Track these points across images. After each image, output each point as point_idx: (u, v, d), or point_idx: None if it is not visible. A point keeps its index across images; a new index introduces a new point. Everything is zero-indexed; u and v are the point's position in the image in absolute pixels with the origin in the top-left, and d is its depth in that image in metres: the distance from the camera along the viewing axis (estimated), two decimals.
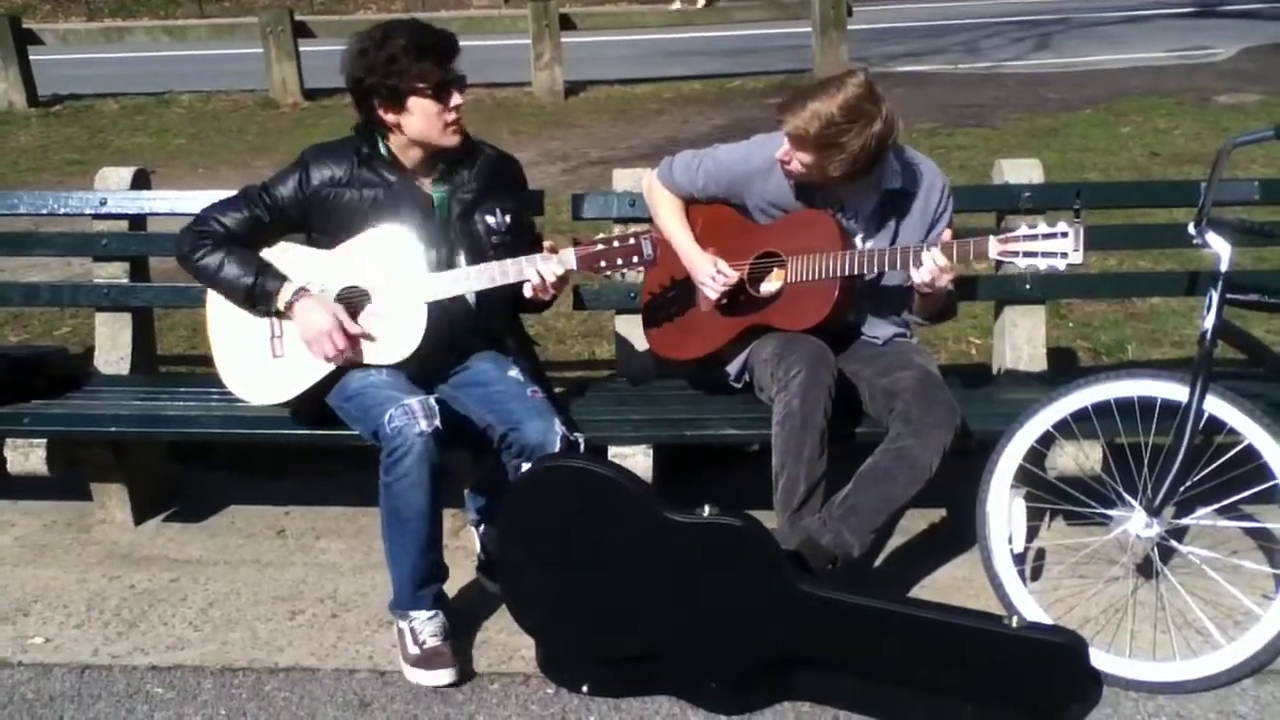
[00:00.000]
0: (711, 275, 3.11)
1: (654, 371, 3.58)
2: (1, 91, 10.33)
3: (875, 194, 3.05)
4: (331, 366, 2.96)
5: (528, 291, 2.94)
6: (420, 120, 2.92)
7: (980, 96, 9.20)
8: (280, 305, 2.94)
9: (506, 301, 3.07)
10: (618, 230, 3.60)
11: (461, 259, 3.02)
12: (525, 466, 2.87)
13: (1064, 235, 2.75)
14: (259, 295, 2.95)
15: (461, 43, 2.99)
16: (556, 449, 2.84)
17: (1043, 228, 2.79)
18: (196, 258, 2.99)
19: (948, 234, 3.02)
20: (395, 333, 2.94)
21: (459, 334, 3.06)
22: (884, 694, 2.60)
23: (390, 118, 2.93)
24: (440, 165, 3.03)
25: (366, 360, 2.95)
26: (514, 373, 3.04)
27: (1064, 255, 2.76)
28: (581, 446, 2.91)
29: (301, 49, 10.23)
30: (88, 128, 9.67)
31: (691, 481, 3.48)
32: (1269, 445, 2.71)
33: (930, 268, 2.83)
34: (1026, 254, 2.80)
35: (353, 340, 2.93)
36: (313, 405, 3.07)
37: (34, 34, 10.66)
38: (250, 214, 3.00)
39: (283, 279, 2.96)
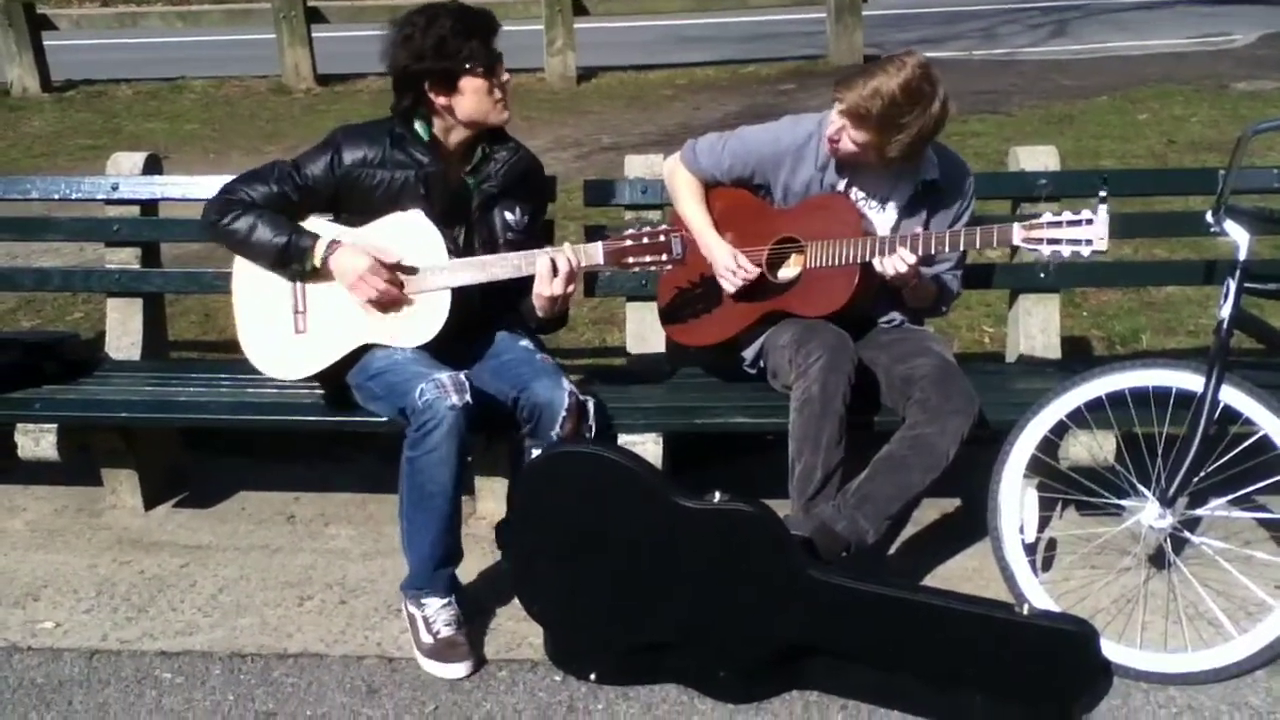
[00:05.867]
0: (731, 269, 3.10)
1: (666, 359, 3.57)
2: (15, 77, 10.33)
3: (912, 184, 3.04)
4: (354, 344, 2.96)
5: (536, 286, 2.91)
6: (472, 99, 2.92)
7: (996, 83, 9.13)
8: (316, 261, 2.92)
9: (510, 294, 3.04)
10: (629, 217, 3.59)
11: (475, 249, 3.01)
12: (534, 447, 2.87)
13: (1089, 222, 2.74)
14: (293, 253, 2.94)
15: None
16: (565, 406, 2.83)
17: (1068, 215, 2.77)
18: (226, 222, 2.97)
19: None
20: (419, 316, 2.93)
21: (482, 319, 3.07)
22: (893, 682, 2.59)
23: (441, 100, 2.92)
24: (481, 147, 3.03)
25: (389, 343, 2.94)
26: (525, 342, 3.06)
27: (1089, 242, 2.74)
28: (591, 406, 2.90)
29: (314, 34, 10.21)
30: (101, 113, 9.68)
31: (703, 470, 3.47)
32: None
33: (895, 260, 2.86)
34: (1051, 241, 2.78)
35: (393, 277, 2.91)
36: (333, 384, 3.07)
37: (48, 19, 10.64)
38: (279, 190, 2.99)
39: (316, 236, 2.95)
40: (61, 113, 9.75)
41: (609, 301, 4.51)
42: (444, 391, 2.74)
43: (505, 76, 2.96)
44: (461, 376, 2.80)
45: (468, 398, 2.76)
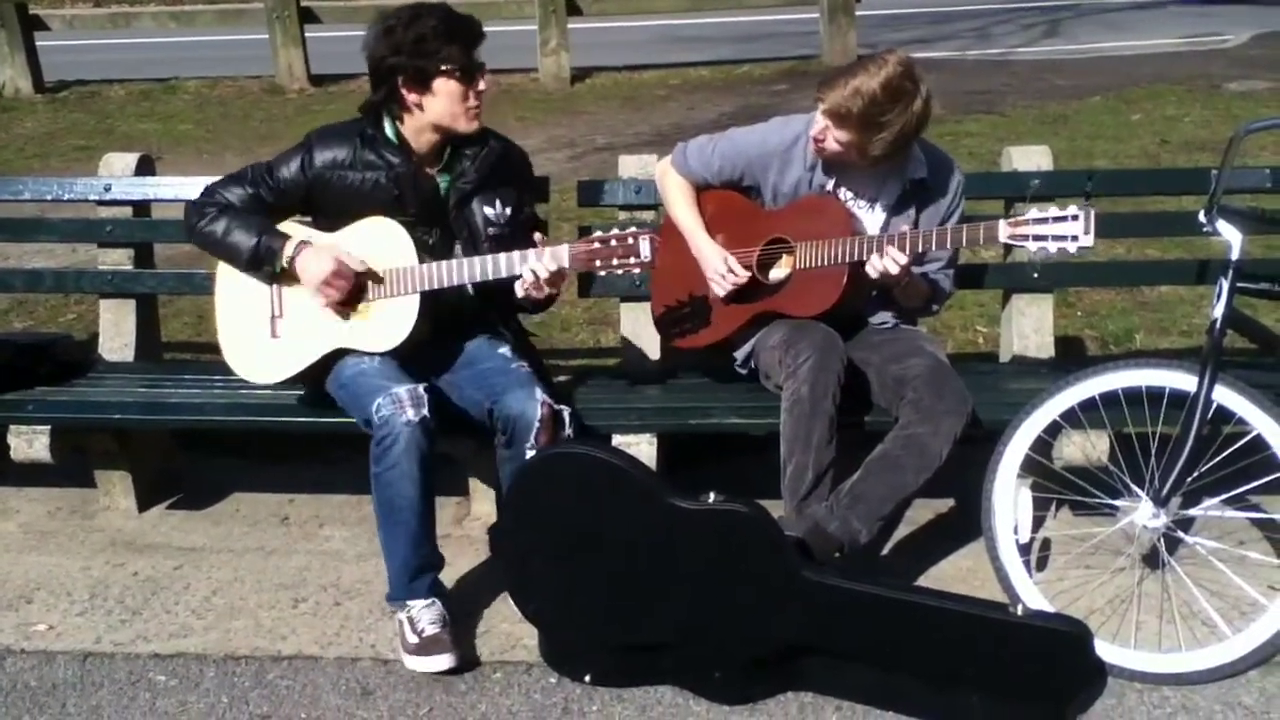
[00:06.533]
0: (721, 274, 3.10)
1: (659, 360, 3.57)
2: (8, 78, 10.28)
3: (899, 183, 3.04)
4: (324, 350, 2.97)
5: (520, 291, 2.92)
6: (444, 103, 2.91)
7: (990, 83, 9.13)
8: (284, 261, 2.92)
9: (505, 293, 3.05)
10: (622, 217, 3.59)
11: (457, 248, 3.01)
12: (510, 459, 2.87)
13: (1074, 218, 2.73)
14: (264, 254, 2.94)
15: None
16: (538, 417, 2.82)
17: (1053, 210, 2.77)
18: (201, 226, 2.99)
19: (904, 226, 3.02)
20: (388, 321, 2.93)
21: (459, 323, 3.06)
22: (888, 683, 2.59)
23: (413, 98, 2.92)
24: (447, 152, 3.02)
25: (359, 348, 2.94)
26: (504, 350, 3.05)
27: (1074, 238, 2.74)
28: (567, 416, 2.89)
29: (308, 34, 10.18)
30: (94, 114, 9.64)
31: (697, 470, 3.46)
32: (1278, 435, 2.69)
33: (887, 261, 2.86)
34: (1036, 237, 2.78)
35: (358, 283, 2.92)
36: (313, 388, 3.08)
37: (40, 19, 10.60)
38: (253, 192, 3.00)
39: (286, 237, 2.95)
40: (54, 113, 9.71)
41: (603, 302, 4.50)
42: (400, 407, 2.74)
43: (482, 86, 2.94)
44: (420, 390, 2.79)
45: (425, 412, 2.76)
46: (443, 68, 2.88)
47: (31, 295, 5.17)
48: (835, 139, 2.91)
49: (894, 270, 2.87)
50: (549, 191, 3.57)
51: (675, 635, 2.66)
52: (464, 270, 2.91)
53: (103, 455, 3.55)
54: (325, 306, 2.95)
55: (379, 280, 2.93)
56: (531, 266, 2.87)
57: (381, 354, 2.93)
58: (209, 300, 3.15)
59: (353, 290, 2.92)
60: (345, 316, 2.96)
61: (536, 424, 2.82)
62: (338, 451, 3.85)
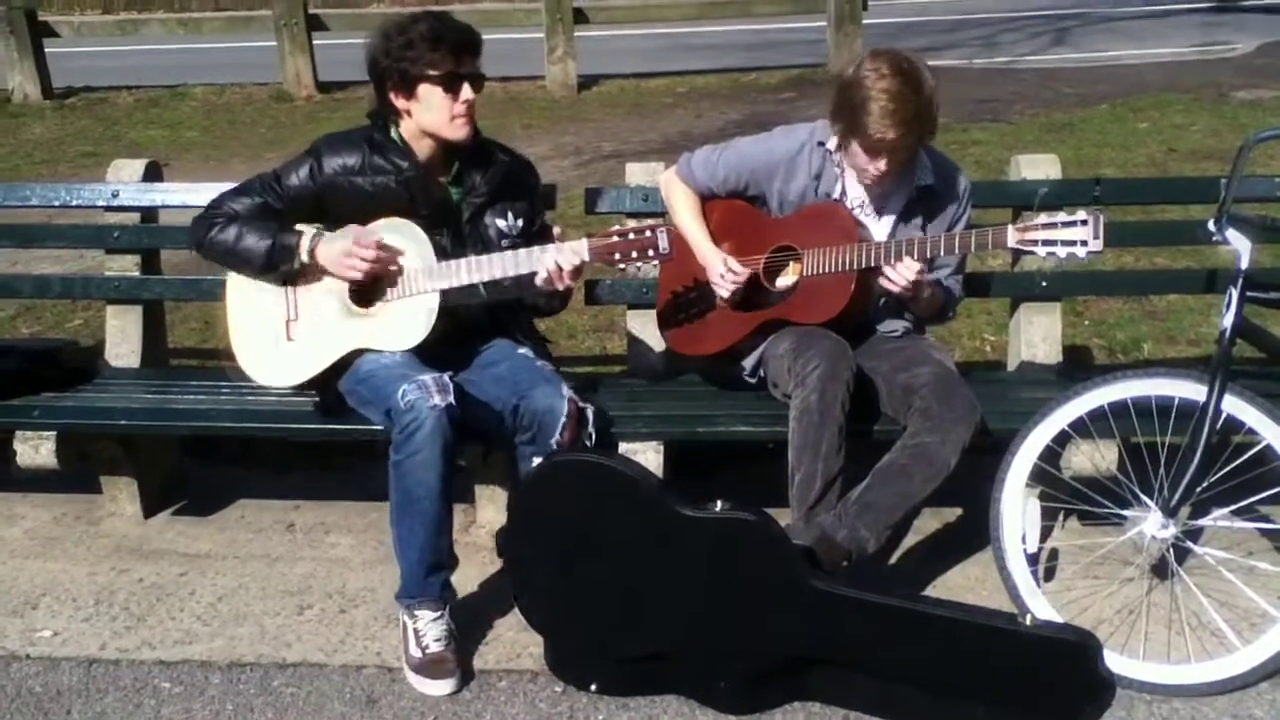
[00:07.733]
0: (720, 274, 3.10)
1: (666, 368, 3.56)
2: (16, 83, 10.33)
3: (906, 190, 3.04)
4: (343, 351, 2.97)
5: (541, 276, 2.90)
6: (428, 108, 2.91)
7: (996, 91, 9.13)
8: (303, 255, 2.93)
9: (517, 302, 3.05)
10: (631, 224, 3.59)
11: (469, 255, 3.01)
12: (534, 455, 2.84)
13: (1083, 223, 2.73)
14: (280, 253, 2.94)
15: None
16: (565, 414, 2.82)
17: (1061, 216, 2.77)
18: (212, 236, 2.99)
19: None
20: (407, 319, 2.93)
21: (472, 324, 3.06)
22: (895, 693, 2.58)
23: (401, 103, 2.93)
24: (455, 163, 3.03)
25: (378, 347, 2.94)
26: (525, 350, 3.06)
27: (1084, 243, 2.73)
28: (590, 413, 2.89)
29: (315, 42, 10.22)
30: (101, 120, 9.68)
31: (703, 479, 3.45)
32: None
33: (904, 272, 2.86)
34: (1045, 243, 2.78)
35: (375, 282, 2.93)
36: (326, 391, 3.07)
37: (49, 26, 10.66)
38: (262, 200, 3.01)
39: (300, 233, 2.95)
40: (62, 120, 9.75)
41: (609, 310, 4.50)
42: (426, 392, 2.73)
43: (467, 95, 2.91)
44: (446, 378, 2.79)
45: (450, 399, 2.75)
46: (427, 73, 2.88)
47: (38, 301, 5.17)
48: (878, 167, 2.91)
49: (910, 277, 2.86)
50: (556, 199, 3.57)
51: (681, 644, 2.65)
52: (484, 266, 2.91)
53: (108, 461, 3.55)
54: (352, 285, 2.94)
55: (399, 252, 2.93)
56: (555, 259, 2.87)
57: (402, 352, 2.93)
58: (216, 306, 3.15)
59: (373, 279, 2.91)
60: (363, 316, 2.96)
61: (563, 419, 2.82)
62: (343, 459, 3.85)
